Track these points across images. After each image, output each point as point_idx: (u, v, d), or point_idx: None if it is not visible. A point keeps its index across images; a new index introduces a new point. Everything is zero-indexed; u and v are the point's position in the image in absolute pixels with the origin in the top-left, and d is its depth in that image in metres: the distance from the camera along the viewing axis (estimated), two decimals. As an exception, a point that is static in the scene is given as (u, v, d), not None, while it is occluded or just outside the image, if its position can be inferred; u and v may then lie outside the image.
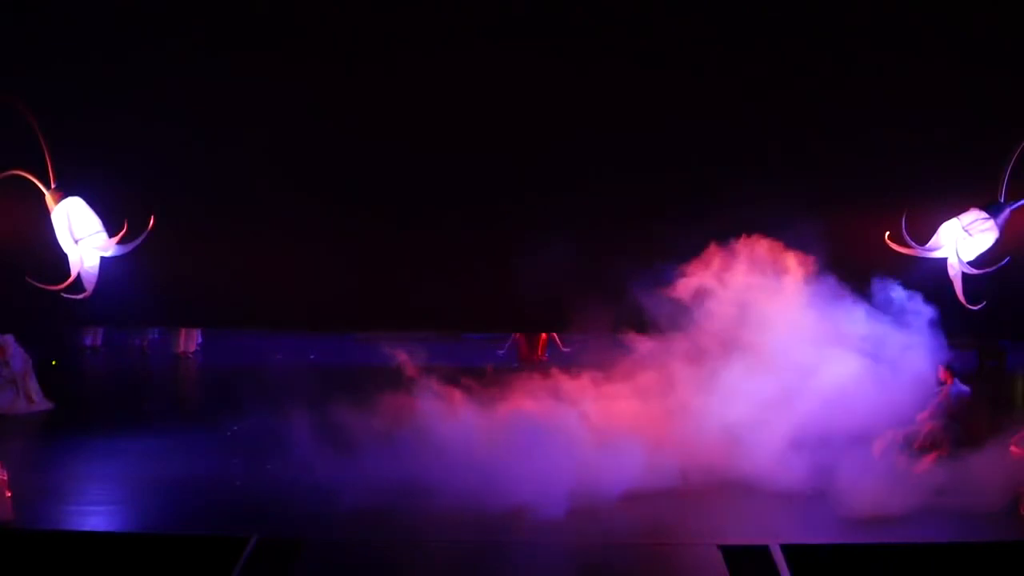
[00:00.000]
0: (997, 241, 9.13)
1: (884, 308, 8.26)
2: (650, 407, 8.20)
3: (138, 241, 9.07)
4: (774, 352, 7.94)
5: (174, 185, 9.20)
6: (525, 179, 9.36)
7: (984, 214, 9.12)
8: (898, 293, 8.35)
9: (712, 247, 8.42)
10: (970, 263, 9.12)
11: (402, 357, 11.42)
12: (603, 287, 8.49)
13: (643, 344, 8.62)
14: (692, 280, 8.31)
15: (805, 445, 7.66)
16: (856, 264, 8.50)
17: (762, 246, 8.36)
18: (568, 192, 9.34)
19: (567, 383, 8.74)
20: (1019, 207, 9.13)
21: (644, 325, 8.59)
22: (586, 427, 7.88)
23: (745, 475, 7.61)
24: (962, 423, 8.14)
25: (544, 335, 12.30)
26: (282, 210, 9.32)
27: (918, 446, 8.00)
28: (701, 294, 8.26)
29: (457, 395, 9.04)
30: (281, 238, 9.36)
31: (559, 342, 12.55)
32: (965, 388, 8.22)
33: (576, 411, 8.15)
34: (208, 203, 9.30)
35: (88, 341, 13.25)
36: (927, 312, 8.26)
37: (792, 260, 8.31)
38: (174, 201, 9.13)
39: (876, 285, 8.37)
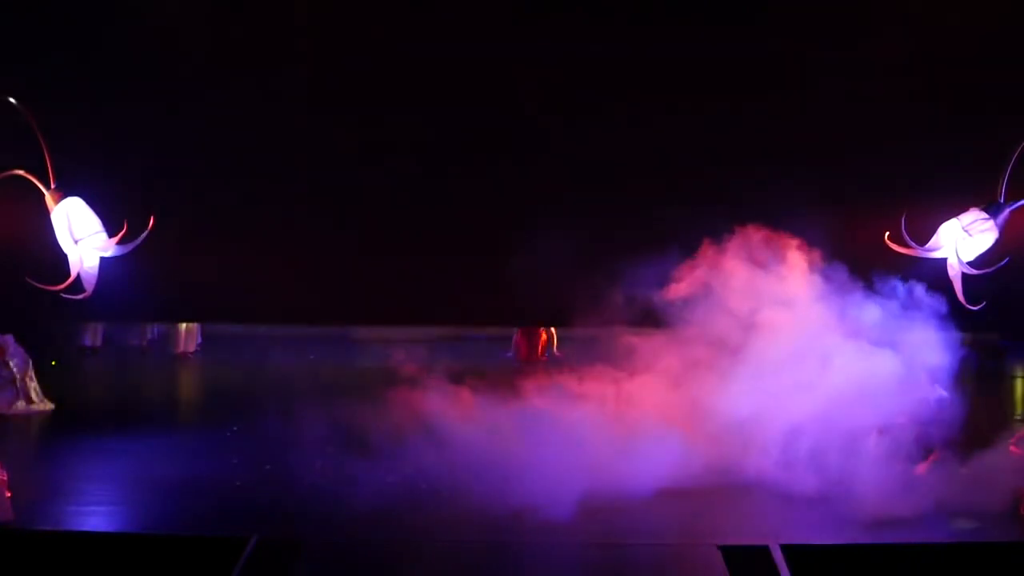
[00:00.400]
0: (997, 241, 9.14)
1: (893, 302, 8.20)
2: (661, 404, 8.14)
3: (138, 241, 9.08)
4: (789, 345, 7.86)
5: (173, 184, 9.21)
6: (525, 170, 9.35)
7: (984, 214, 9.12)
8: (907, 288, 8.28)
9: (718, 238, 8.34)
10: (970, 263, 9.12)
11: (401, 357, 11.44)
12: (604, 280, 8.48)
13: (649, 339, 8.58)
14: (698, 271, 8.25)
15: (821, 443, 7.64)
16: (855, 264, 8.48)
17: (770, 237, 8.29)
18: (569, 184, 9.33)
19: (574, 381, 8.72)
20: (1019, 207, 9.14)
21: (648, 319, 8.56)
22: (596, 425, 7.85)
23: (759, 474, 7.60)
24: (943, 429, 7.94)
25: (544, 336, 12.29)
26: (280, 207, 9.33)
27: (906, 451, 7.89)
28: (709, 285, 8.19)
29: (461, 394, 9.04)
30: (279, 235, 9.37)
31: (554, 345, 12.49)
32: (945, 393, 8.01)
33: (586, 408, 8.12)
34: (207, 200, 9.31)
35: (88, 342, 13.23)
36: (938, 305, 8.19)
37: (800, 251, 8.25)
38: (173, 197, 9.15)
39: (880, 282, 8.32)
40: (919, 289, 8.31)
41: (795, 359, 7.81)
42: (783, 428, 7.72)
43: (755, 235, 8.26)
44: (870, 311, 8.09)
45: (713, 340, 8.22)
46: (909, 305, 8.19)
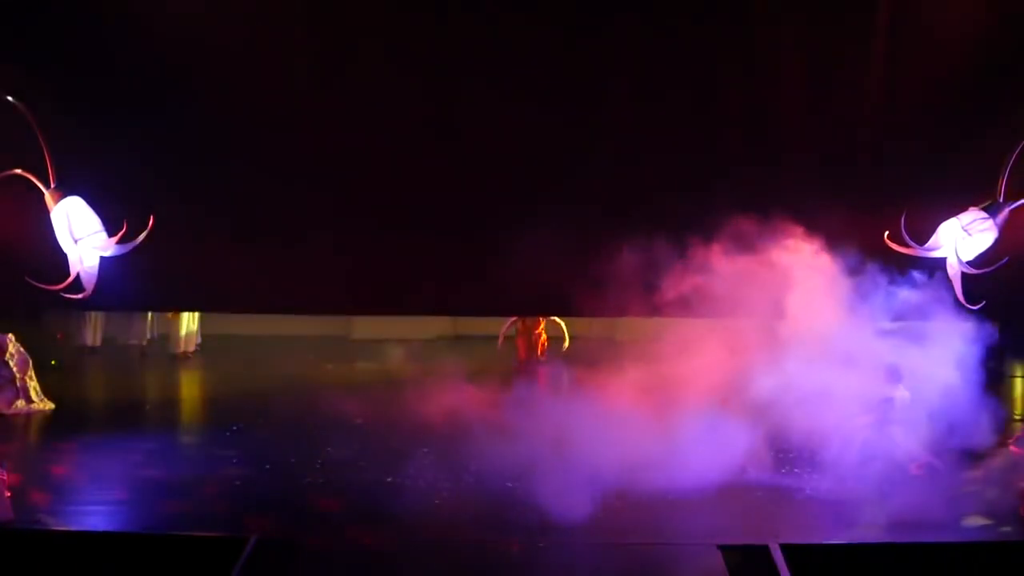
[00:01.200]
0: (996, 241, 9.15)
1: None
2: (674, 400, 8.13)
3: (137, 241, 9.10)
4: (812, 339, 7.85)
5: (173, 181, 9.21)
6: (527, 157, 9.33)
7: (983, 214, 9.14)
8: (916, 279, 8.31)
9: (722, 227, 8.32)
10: (969, 263, 9.13)
11: (399, 356, 11.43)
12: (605, 268, 8.48)
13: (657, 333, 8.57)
14: (708, 260, 8.23)
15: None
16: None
17: (777, 227, 8.28)
18: (567, 175, 9.31)
19: (578, 379, 8.71)
20: (1018, 207, 9.15)
21: (654, 308, 8.55)
22: (601, 423, 7.86)
23: (759, 474, 7.63)
24: (906, 431, 7.88)
25: (544, 337, 12.22)
26: (276, 200, 9.32)
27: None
28: (722, 273, 8.17)
29: (464, 393, 9.07)
30: (275, 227, 9.36)
31: (566, 342, 12.30)
32: (907, 394, 7.94)
33: (591, 407, 8.12)
34: (207, 193, 9.30)
35: (88, 341, 13.22)
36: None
37: (807, 242, 8.25)
38: (173, 192, 9.16)
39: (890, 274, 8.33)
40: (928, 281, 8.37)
41: (817, 348, 7.81)
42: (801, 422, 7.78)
43: (761, 225, 8.26)
44: (884, 300, 8.13)
45: (741, 331, 8.22)
46: (921, 296, 8.23)
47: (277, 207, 9.36)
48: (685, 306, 8.37)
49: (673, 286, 8.30)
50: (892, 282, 8.29)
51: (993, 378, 9.36)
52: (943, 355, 7.96)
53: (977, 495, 7.46)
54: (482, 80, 9.24)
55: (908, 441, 7.82)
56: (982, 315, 8.77)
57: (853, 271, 8.15)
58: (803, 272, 8.12)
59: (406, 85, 9.28)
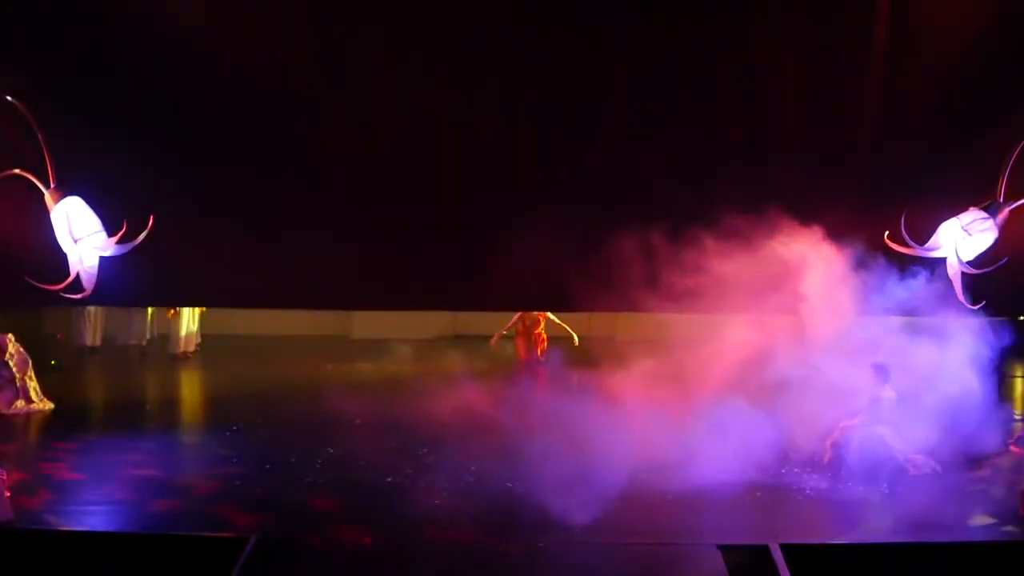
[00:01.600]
0: (996, 241, 9.15)
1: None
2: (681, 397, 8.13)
3: (137, 241, 9.09)
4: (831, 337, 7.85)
5: (173, 181, 9.20)
6: (528, 152, 9.32)
7: (983, 214, 9.14)
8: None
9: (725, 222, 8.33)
10: (969, 263, 9.13)
11: (399, 356, 11.41)
12: (609, 264, 8.47)
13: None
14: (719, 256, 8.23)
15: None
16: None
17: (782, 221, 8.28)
18: (574, 168, 9.30)
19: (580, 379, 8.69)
20: (1018, 207, 9.15)
21: (655, 304, 8.54)
22: (610, 423, 7.87)
23: (759, 474, 7.64)
24: (895, 431, 7.86)
25: (544, 337, 12.20)
26: (276, 195, 9.31)
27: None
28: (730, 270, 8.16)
29: (464, 395, 9.07)
30: (275, 224, 9.35)
31: (575, 341, 12.21)
32: (893, 394, 7.91)
33: (594, 407, 8.12)
34: (207, 193, 9.28)
35: (87, 341, 13.22)
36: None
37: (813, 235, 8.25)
38: (173, 192, 9.15)
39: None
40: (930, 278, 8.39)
41: (817, 345, 7.81)
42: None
43: (761, 223, 8.26)
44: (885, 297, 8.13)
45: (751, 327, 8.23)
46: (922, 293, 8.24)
47: (277, 205, 9.34)
48: (686, 301, 8.37)
49: (674, 282, 8.31)
50: (894, 280, 8.30)
51: (994, 378, 9.40)
52: (944, 353, 7.96)
53: (978, 495, 7.47)
54: (482, 76, 9.23)
55: (897, 441, 7.81)
56: (982, 315, 8.77)
57: (855, 268, 8.16)
58: (803, 268, 8.14)
59: (406, 83, 9.27)
